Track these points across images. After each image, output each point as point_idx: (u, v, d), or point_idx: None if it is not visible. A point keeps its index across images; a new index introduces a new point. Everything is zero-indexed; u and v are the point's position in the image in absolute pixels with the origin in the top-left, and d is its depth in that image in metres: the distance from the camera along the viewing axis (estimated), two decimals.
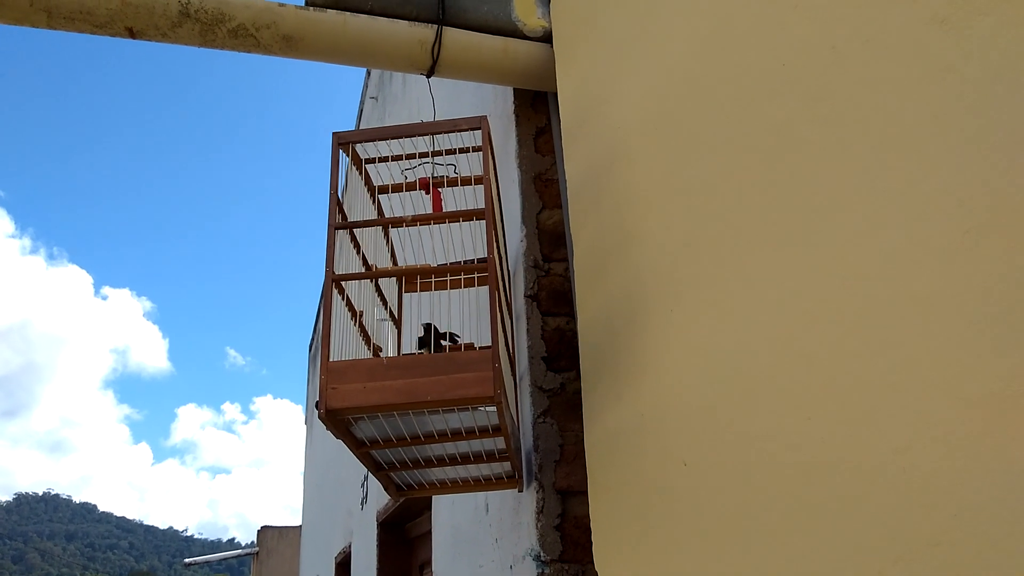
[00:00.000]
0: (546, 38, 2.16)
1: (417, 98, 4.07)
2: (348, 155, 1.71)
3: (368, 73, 6.01)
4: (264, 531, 16.36)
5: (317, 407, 1.49)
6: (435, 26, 2.02)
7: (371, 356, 1.87)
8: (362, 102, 6.24)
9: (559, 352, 2.15)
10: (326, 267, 1.56)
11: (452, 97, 3.07)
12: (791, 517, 1.05)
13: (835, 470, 0.97)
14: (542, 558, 1.92)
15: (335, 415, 1.48)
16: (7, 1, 1.75)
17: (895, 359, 0.90)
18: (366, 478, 5.26)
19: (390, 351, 2.04)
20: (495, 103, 2.56)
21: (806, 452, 1.02)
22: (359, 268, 1.81)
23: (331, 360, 1.50)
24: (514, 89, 2.33)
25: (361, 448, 1.69)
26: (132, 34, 1.83)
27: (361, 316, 1.77)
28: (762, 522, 1.11)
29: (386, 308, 2.05)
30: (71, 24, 1.79)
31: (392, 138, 1.68)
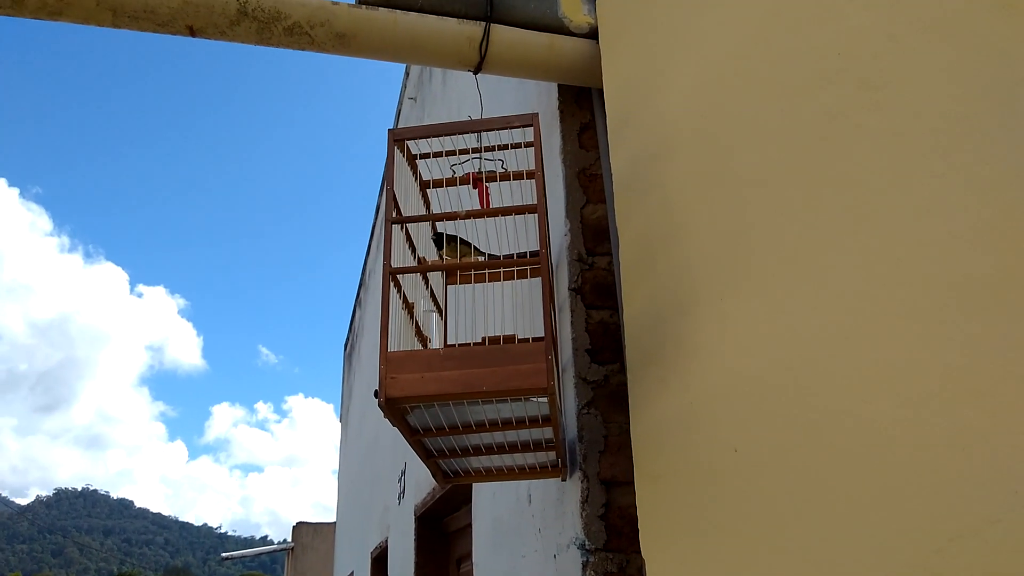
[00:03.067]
0: (592, 34, 2.19)
1: (457, 98, 4.12)
2: (403, 152, 1.75)
3: (407, 74, 6.06)
4: (299, 527, 16.54)
5: (376, 395, 1.53)
6: (483, 23, 2.06)
7: (421, 347, 1.92)
8: (400, 103, 6.29)
9: (603, 345, 2.17)
10: (384, 260, 1.61)
11: (494, 94, 3.11)
12: (846, 499, 1.07)
13: (893, 451, 0.99)
14: (587, 547, 1.94)
15: (394, 403, 1.53)
16: (74, 1, 1.82)
17: (954, 340, 0.92)
18: (403, 473, 5.32)
19: (435, 342, 2.08)
20: (538, 99, 2.59)
21: (863, 435, 1.04)
22: (411, 261, 1.85)
23: (389, 351, 1.55)
24: (558, 85, 2.36)
25: (415, 436, 1.73)
26: (192, 32, 1.89)
27: (413, 308, 1.82)
28: (816, 504, 1.13)
29: (434, 301, 2.09)
30: (135, 23, 1.86)
31: (445, 135, 1.72)
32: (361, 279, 10.03)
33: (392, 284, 1.64)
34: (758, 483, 1.29)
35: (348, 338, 11.70)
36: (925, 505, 0.93)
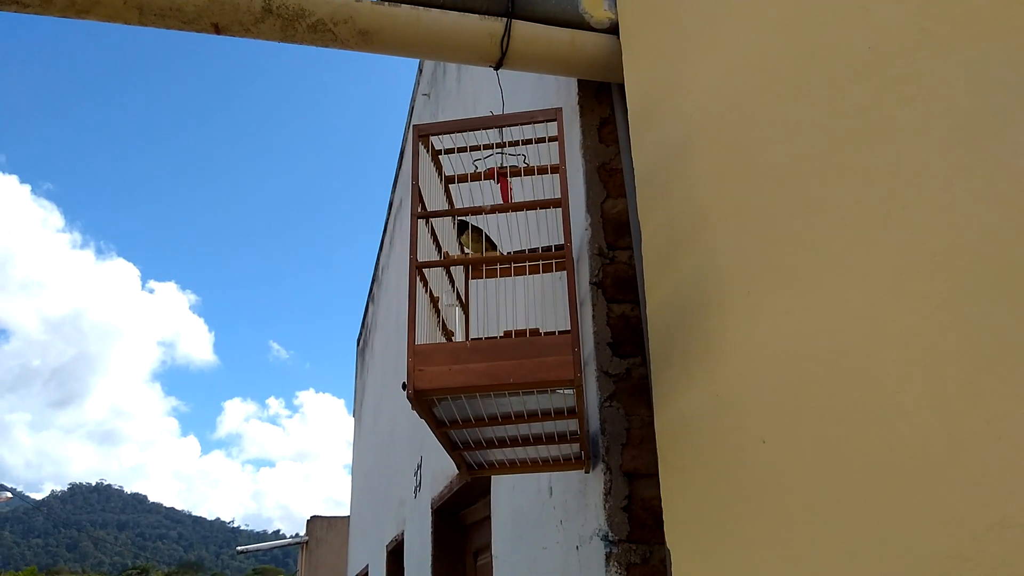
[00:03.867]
0: (612, 29, 2.20)
1: (472, 93, 4.13)
2: (427, 148, 1.77)
3: (420, 70, 6.07)
4: (314, 521, 16.65)
5: (404, 387, 1.55)
6: (504, 19, 2.07)
7: (446, 340, 1.93)
8: (413, 99, 6.31)
9: (624, 338, 2.19)
10: (410, 255, 1.62)
11: (512, 89, 3.12)
12: (879, 488, 1.08)
13: (926, 441, 1.00)
14: (610, 538, 1.96)
15: (422, 395, 1.55)
16: None
17: (988, 330, 0.93)
18: (419, 467, 5.35)
19: (458, 335, 2.10)
20: (557, 94, 2.60)
21: (894, 424, 1.05)
22: (435, 256, 1.87)
23: (417, 343, 1.57)
24: (578, 80, 2.37)
25: (441, 428, 1.75)
26: (217, 30, 1.91)
27: (437, 302, 1.84)
28: (848, 495, 1.14)
29: (456, 295, 2.11)
30: (161, 21, 1.88)
31: (470, 130, 1.73)
32: (374, 275, 10.06)
33: (418, 278, 1.65)
34: (787, 473, 1.30)
35: (361, 333, 11.74)
36: (962, 493, 0.94)
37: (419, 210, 1.68)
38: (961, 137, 0.99)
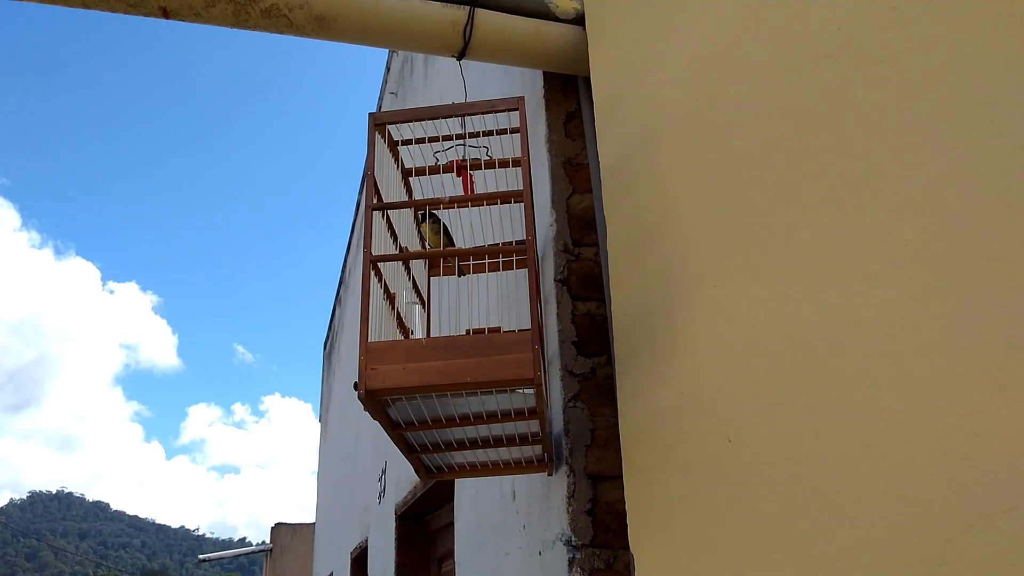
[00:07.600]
0: (579, 20, 2.15)
1: (439, 91, 4.06)
2: (384, 137, 1.70)
3: (387, 68, 6.00)
4: (278, 528, 16.42)
5: (356, 387, 1.48)
6: (467, 7, 2.01)
7: (403, 338, 1.86)
8: (381, 98, 6.22)
9: (589, 337, 2.13)
10: (364, 248, 1.55)
11: (478, 83, 3.06)
12: (849, 489, 1.03)
13: (899, 437, 0.95)
14: (573, 543, 1.90)
15: (374, 396, 1.48)
16: None
17: (964, 322, 0.88)
18: (383, 472, 5.26)
19: (419, 334, 2.03)
20: (523, 88, 2.54)
21: (866, 421, 1.00)
22: (392, 250, 1.80)
23: (370, 341, 1.49)
24: (544, 73, 2.31)
25: (396, 430, 1.68)
26: (166, 14, 1.83)
27: (394, 298, 1.76)
28: (817, 495, 1.09)
29: (417, 293, 2.04)
30: (105, 3, 1.79)
31: (428, 119, 1.67)
32: (341, 277, 9.94)
33: (373, 273, 1.58)
34: (754, 474, 1.25)
35: (328, 336, 11.59)
36: (935, 494, 0.89)
37: (374, 201, 1.60)
38: (935, 119, 0.94)
